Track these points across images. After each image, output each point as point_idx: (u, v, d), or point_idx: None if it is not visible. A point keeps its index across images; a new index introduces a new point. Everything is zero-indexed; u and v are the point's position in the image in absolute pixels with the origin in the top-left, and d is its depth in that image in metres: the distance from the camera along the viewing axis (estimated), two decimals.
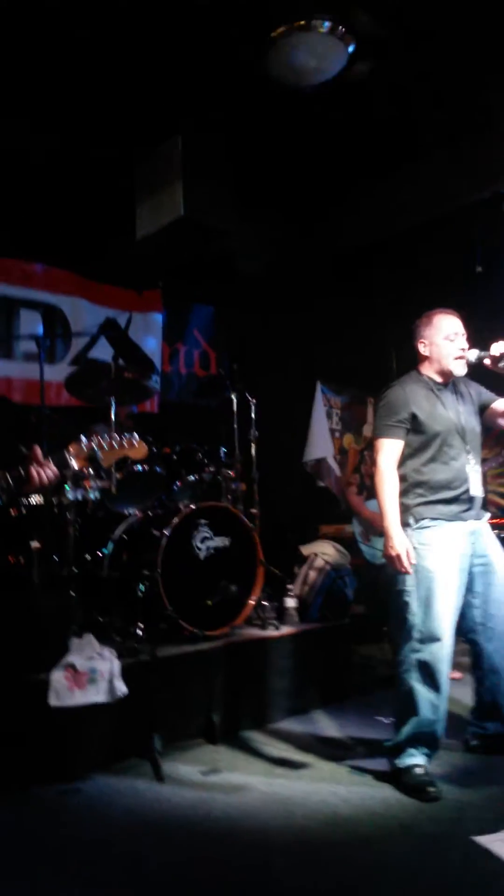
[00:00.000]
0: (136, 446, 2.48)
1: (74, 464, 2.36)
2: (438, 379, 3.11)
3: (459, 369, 3.07)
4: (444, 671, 2.87)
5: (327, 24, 3.97)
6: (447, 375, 3.10)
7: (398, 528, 2.91)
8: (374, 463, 3.09)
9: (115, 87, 4.40)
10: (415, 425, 3.00)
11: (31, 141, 4.75)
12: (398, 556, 2.87)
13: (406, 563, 2.86)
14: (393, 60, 4.26)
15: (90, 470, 3.94)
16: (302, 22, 3.95)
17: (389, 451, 3.01)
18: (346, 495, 5.04)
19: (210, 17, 3.91)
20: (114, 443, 2.42)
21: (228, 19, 3.93)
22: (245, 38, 4.04)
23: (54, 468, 2.29)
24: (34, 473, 2.25)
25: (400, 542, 2.88)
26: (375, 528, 4.50)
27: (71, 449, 2.36)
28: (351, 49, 4.11)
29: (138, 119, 4.71)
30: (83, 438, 2.38)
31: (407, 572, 2.87)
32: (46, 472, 2.25)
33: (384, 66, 4.28)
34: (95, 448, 2.37)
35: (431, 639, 2.85)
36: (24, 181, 4.96)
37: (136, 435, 2.48)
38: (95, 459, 2.39)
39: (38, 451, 2.27)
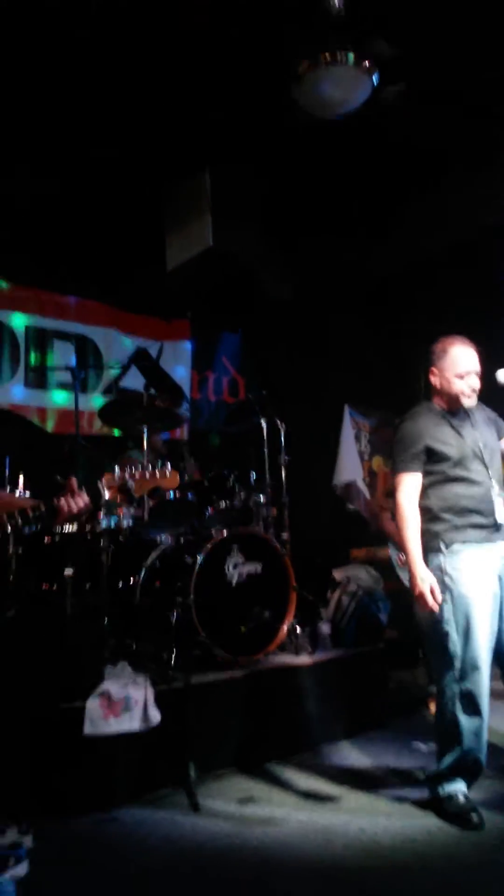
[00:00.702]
0: (168, 476, 2.50)
1: (107, 494, 2.39)
2: (449, 409, 3.10)
3: (469, 404, 3.05)
4: (486, 698, 2.83)
5: (351, 56, 4.06)
6: (456, 406, 3.08)
7: (422, 566, 2.88)
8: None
9: (146, 123, 4.54)
10: (432, 456, 2.98)
11: (62, 176, 4.89)
12: (422, 595, 2.84)
13: (431, 601, 2.82)
14: (417, 89, 4.32)
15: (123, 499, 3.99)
16: (327, 55, 4.04)
17: (408, 485, 2.99)
18: (380, 521, 5.02)
19: (238, 54, 4.02)
20: (146, 473, 2.45)
21: (256, 55, 4.04)
22: (272, 72, 4.13)
23: (86, 499, 2.31)
24: (64, 505, 2.26)
25: (424, 579, 2.85)
26: None
27: (104, 480, 2.40)
28: (375, 79, 4.19)
29: (168, 153, 4.84)
30: (116, 469, 2.42)
31: (433, 610, 2.84)
32: (78, 501, 2.27)
33: (409, 94, 4.34)
34: (127, 478, 2.40)
35: (473, 667, 2.80)
36: (57, 216, 5.11)
37: (168, 465, 2.51)
38: (128, 490, 2.42)
39: (74, 482, 2.30)
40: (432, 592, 2.83)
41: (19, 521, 2.24)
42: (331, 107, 4.31)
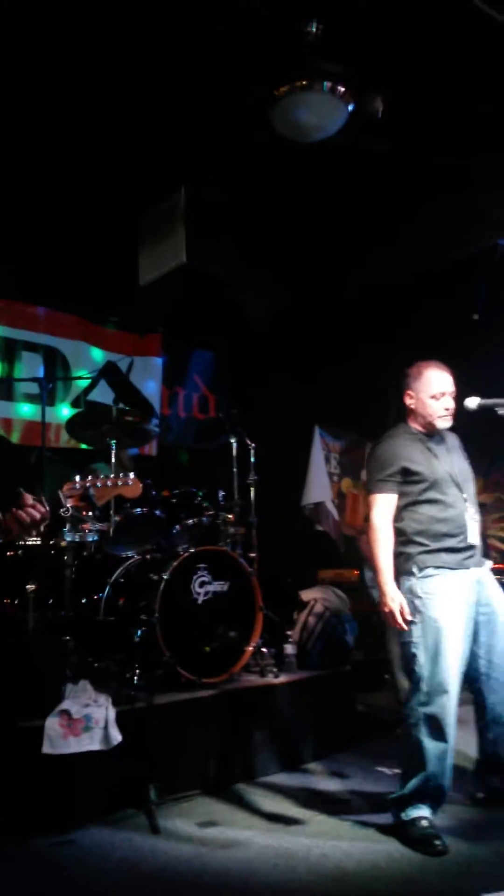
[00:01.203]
0: (131, 484, 2.47)
1: (69, 503, 2.35)
2: (425, 431, 3.13)
3: (443, 425, 3.09)
4: (452, 723, 2.81)
5: (327, 83, 4.12)
6: (432, 429, 3.12)
7: (392, 585, 2.91)
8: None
9: (121, 140, 4.53)
10: (408, 477, 3.00)
11: (36, 187, 4.86)
12: (391, 613, 2.87)
13: (399, 619, 2.85)
14: (393, 115, 4.40)
15: (87, 512, 3.93)
16: (304, 82, 4.09)
17: (383, 506, 3.01)
18: (359, 543, 5.03)
19: (214, 76, 4.05)
20: (108, 481, 2.41)
21: (233, 78, 4.07)
22: (248, 96, 4.17)
23: (42, 509, 2.20)
24: (12, 521, 2.15)
25: (393, 597, 2.88)
26: None
27: (65, 489, 2.35)
28: (351, 108, 4.25)
29: (143, 170, 4.84)
30: (77, 478, 2.38)
31: (402, 628, 2.86)
32: (31, 513, 2.15)
33: (384, 120, 4.41)
34: (88, 486, 2.36)
35: (439, 691, 2.79)
36: (29, 226, 5.06)
37: (131, 473, 2.47)
38: (89, 497, 2.38)
39: (27, 496, 2.20)
40: (401, 611, 2.84)
41: None
42: (306, 132, 4.36)
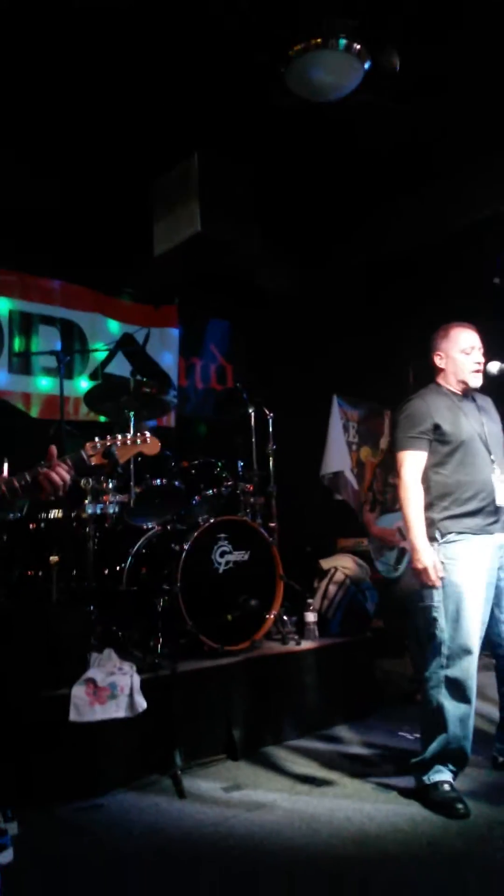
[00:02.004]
0: (150, 442, 2.49)
1: (92, 461, 2.37)
2: (457, 390, 3.09)
3: (476, 381, 3.05)
4: (473, 687, 2.83)
5: (343, 41, 4.01)
6: (465, 387, 3.08)
7: (425, 542, 2.87)
8: (384, 480, 3.06)
9: (133, 106, 4.46)
10: (438, 436, 2.97)
11: (48, 158, 4.81)
12: (425, 570, 2.83)
13: (434, 577, 2.82)
14: (410, 77, 4.28)
15: (109, 482, 3.95)
16: (319, 39, 3.99)
17: (413, 463, 2.98)
18: (362, 512, 5.02)
19: (227, 36, 3.95)
20: (127, 440, 2.44)
21: (246, 37, 3.97)
22: (262, 55, 4.07)
23: (68, 468, 2.25)
24: (45, 477, 2.21)
25: (427, 555, 2.85)
26: (384, 544, 4.49)
27: (87, 447, 2.38)
28: (367, 66, 4.14)
29: (156, 137, 4.76)
30: (96, 438, 2.41)
31: (435, 586, 2.84)
32: (60, 472, 2.22)
33: (402, 84, 4.30)
34: (109, 444, 2.39)
35: (460, 654, 2.80)
36: (43, 199, 5.02)
37: (147, 432, 2.50)
38: (111, 454, 2.40)
39: (54, 450, 2.26)
40: (436, 569, 2.82)
41: (6, 493, 2.20)
42: (322, 91, 4.26)
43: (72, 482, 2.32)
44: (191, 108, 4.51)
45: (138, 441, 2.46)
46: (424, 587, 2.87)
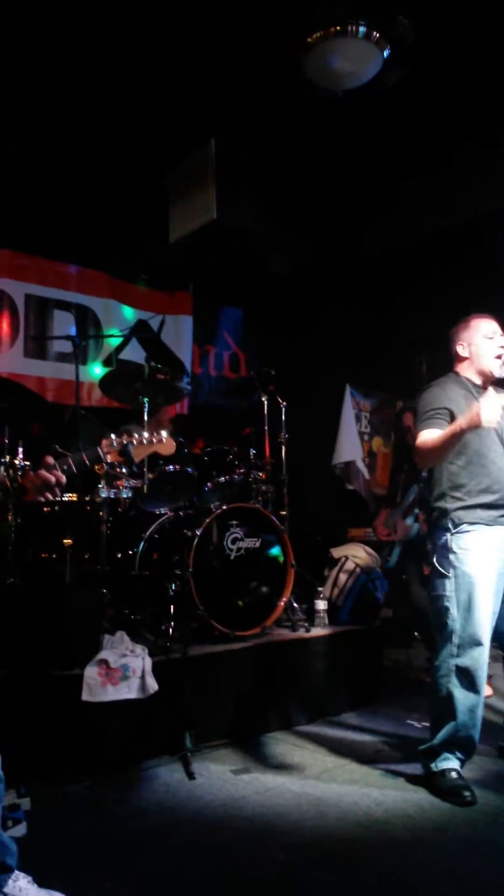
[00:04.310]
0: (165, 442, 2.52)
1: (108, 458, 2.40)
2: (477, 380, 3.08)
3: (498, 369, 3.03)
4: (483, 676, 2.85)
5: (363, 29, 3.98)
6: (486, 376, 3.06)
7: (456, 423, 2.77)
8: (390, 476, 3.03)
9: (150, 93, 4.45)
10: (452, 423, 2.96)
11: (64, 144, 4.81)
12: (477, 414, 2.65)
13: (488, 412, 2.64)
14: (426, 66, 4.25)
15: (122, 468, 3.98)
16: (338, 27, 3.97)
17: (427, 435, 2.92)
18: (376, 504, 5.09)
19: (247, 23, 3.94)
20: (143, 439, 2.46)
21: (266, 24, 3.95)
22: (281, 42, 4.06)
23: (59, 474, 2.23)
24: (28, 481, 2.20)
25: (466, 413, 2.74)
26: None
27: (103, 444, 2.40)
28: (386, 54, 4.11)
29: (173, 124, 4.76)
30: (113, 435, 2.43)
31: (488, 422, 2.65)
32: (45, 476, 2.19)
33: (417, 72, 4.27)
34: (126, 443, 2.41)
35: (471, 644, 2.82)
36: (61, 185, 5.03)
37: (163, 432, 2.52)
38: (127, 453, 2.42)
39: (48, 459, 2.25)
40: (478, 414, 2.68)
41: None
42: (339, 79, 4.24)
43: (89, 467, 2.35)
44: (207, 95, 4.51)
45: (154, 441, 2.49)
46: (438, 577, 2.86)
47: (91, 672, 3.09)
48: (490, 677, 3.99)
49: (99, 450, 2.39)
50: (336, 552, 4.59)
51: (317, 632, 4.04)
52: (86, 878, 2.24)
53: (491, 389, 2.86)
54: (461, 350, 3.11)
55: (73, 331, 5.31)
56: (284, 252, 6.19)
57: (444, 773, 2.86)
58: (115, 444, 2.41)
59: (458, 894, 2.21)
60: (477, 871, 2.31)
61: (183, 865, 2.38)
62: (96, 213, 5.28)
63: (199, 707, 3.33)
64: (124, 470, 4.05)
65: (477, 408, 2.67)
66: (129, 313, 5.81)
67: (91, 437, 4.22)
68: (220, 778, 3.06)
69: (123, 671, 3.14)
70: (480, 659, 2.83)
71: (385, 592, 4.50)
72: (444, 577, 2.88)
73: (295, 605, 4.20)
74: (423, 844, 2.49)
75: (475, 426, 2.68)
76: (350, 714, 3.91)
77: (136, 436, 2.46)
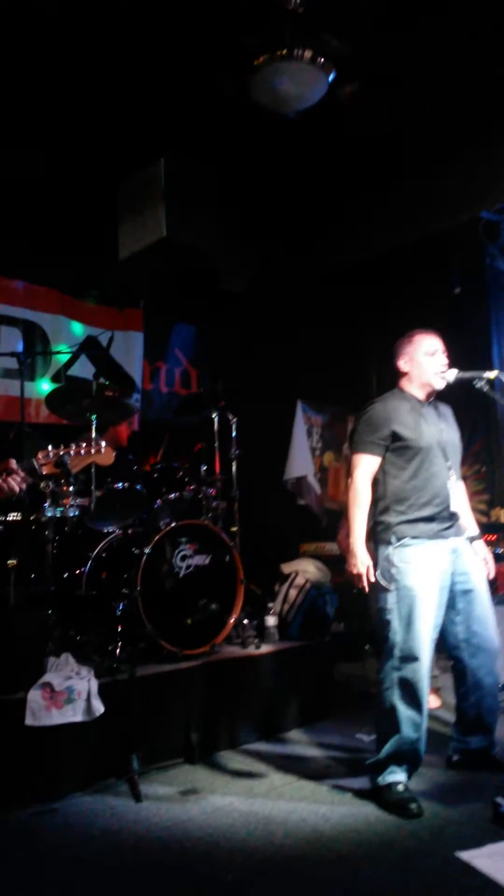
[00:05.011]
0: (104, 452, 2.49)
1: (44, 470, 2.37)
2: (420, 395, 3.15)
3: (439, 383, 3.12)
4: (425, 689, 2.88)
5: (308, 53, 4.06)
6: (428, 391, 3.14)
7: (362, 547, 2.96)
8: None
9: (99, 110, 4.45)
10: (397, 442, 3.02)
11: (13, 158, 4.77)
12: (358, 575, 2.92)
13: (365, 582, 2.91)
14: (374, 86, 4.35)
15: (62, 480, 3.93)
16: (283, 51, 4.03)
17: (365, 467, 3.04)
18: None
19: (194, 45, 3.98)
20: (81, 449, 2.44)
21: (212, 47, 4.00)
22: (228, 65, 4.11)
23: (24, 476, 2.26)
24: (2, 484, 2.22)
25: (362, 560, 2.93)
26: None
27: (39, 456, 2.37)
28: (331, 77, 4.20)
29: (122, 141, 4.76)
30: (50, 447, 2.40)
31: (366, 589, 2.92)
32: (15, 479, 2.22)
33: (365, 92, 4.37)
34: (62, 453, 2.39)
35: (412, 657, 2.85)
36: (5, 198, 4.98)
37: (102, 441, 2.50)
38: (64, 465, 2.40)
39: (12, 462, 2.26)
40: (368, 573, 2.91)
41: None
42: (286, 102, 4.30)
43: (31, 485, 2.33)
44: (157, 113, 4.52)
45: (92, 451, 2.45)
46: (380, 591, 2.91)
47: (34, 696, 3.03)
48: (438, 689, 4.04)
49: (34, 461, 2.36)
50: (286, 567, 4.60)
51: (267, 648, 4.03)
52: None
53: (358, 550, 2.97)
54: (403, 365, 3.17)
55: (20, 346, 5.24)
56: (239, 268, 6.21)
57: (390, 786, 2.88)
58: (50, 454, 2.38)
59: None
60: (425, 885, 2.32)
61: (126, 891, 2.33)
62: (45, 230, 5.23)
63: (147, 728, 3.29)
64: (71, 488, 4.01)
65: (361, 570, 2.93)
66: (78, 329, 5.77)
67: (36, 454, 4.17)
68: (168, 799, 3.02)
69: (69, 694, 3.09)
70: (420, 672, 2.86)
71: (335, 607, 4.52)
72: (386, 590, 2.91)
73: (245, 621, 4.17)
74: (370, 859, 2.50)
75: (354, 574, 2.95)
76: (300, 730, 3.91)
77: (74, 446, 2.43)
